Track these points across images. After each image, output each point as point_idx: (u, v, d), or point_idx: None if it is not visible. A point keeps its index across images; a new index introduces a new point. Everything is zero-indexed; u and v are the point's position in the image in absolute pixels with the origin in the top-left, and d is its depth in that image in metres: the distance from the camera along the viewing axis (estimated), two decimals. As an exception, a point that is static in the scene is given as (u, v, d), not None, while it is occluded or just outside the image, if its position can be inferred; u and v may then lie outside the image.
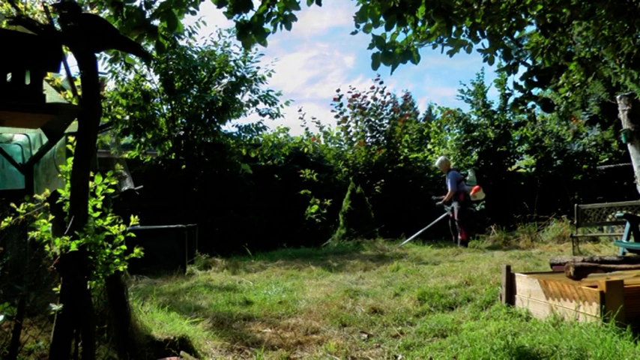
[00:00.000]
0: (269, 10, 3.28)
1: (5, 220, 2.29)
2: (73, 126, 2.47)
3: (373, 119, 12.24)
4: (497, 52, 3.99)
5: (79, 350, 2.10)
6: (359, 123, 12.23)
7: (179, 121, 9.82)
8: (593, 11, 3.92)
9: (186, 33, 9.17)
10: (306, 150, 11.70)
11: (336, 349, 3.16)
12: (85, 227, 2.07)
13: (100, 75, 2.49)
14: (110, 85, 9.13)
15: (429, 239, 9.41)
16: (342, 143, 12.48)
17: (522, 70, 4.30)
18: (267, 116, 10.36)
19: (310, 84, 73.31)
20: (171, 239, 6.69)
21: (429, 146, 13.21)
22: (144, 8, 3.05)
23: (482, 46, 3.96)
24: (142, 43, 3.13)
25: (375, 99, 12.34)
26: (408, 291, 4.81)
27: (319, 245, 9.53)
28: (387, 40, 3.53)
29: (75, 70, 2.49)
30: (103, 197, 2.26)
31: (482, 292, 4.53)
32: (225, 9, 3.16)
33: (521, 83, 4.14)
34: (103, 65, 8.51)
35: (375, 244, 9.08)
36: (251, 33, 3.28)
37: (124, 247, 2.25)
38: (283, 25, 3.35)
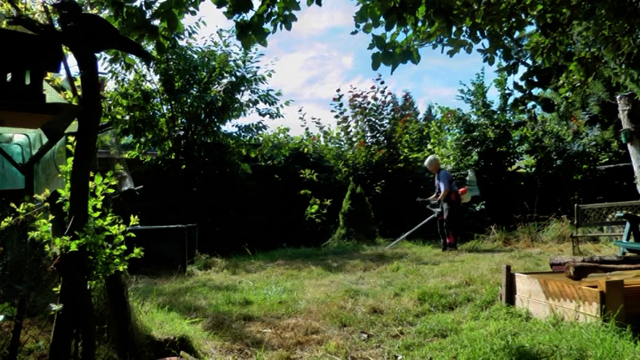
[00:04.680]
0: (269, 10, 3.28)
1: (5, 220, 2.29)
2: (73, 126, 2.47)
3: (373, 119, 12.24)
4: (497, 52, 3.98)
5: (79, 350, 2.10)
6: (359, 123, 12.24)
7: (179, 121, 9.82)
8: (593, 11, 3.91)
9: (186, 33, 9.17)
10: (306, 150, 11.70)
11: (336, 349, 3.16)
12: (85, 227, 2.07)
13: (100, 75, 2.49)
14: (110, 85, 9.13)
15: (429, 239, 9.41)
16: (342, 143, 12.48)
17: (522, 70, 4.29)
18: (267, 116, 10.37)
19: (309, 84, 73.44)
20: (171, 239, 6.69)
21: (429, 146, 13.19)
22: (144, 8, 3.05)
23: (482, 46, 3.95)
24: (142, 43, 3.13)
25: (375, 99, 12.35)
26: (408, 291, 4.81)
27: (319, 245, 9.53)
28: (387, 40, 3.52)
29: (75, 70, 2.49)
30: (103, 197, 2.26)
31: (482, 292, 4.53)
32: (225, 9, 3.16)
33: (522, 83, 4.13)
34: (103, 65, 8.50)
35: (375, 244, 9.08)
36: (251, 33, 3.28)
37: (123, 247, 2.25)
38: (283, 25, 3.35)
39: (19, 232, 3.03)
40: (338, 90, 12.85)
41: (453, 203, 8.68)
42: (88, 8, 3.03)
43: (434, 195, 9.10)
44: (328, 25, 77.14)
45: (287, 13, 3.30)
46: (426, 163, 9.48)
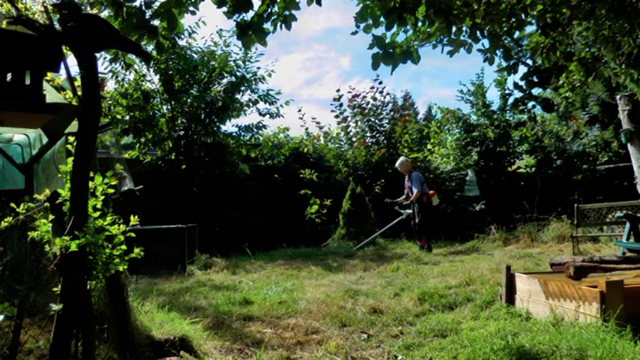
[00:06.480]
0: (269, 10, 3.28)
1: (5, 220, 2.29)
2: (73, 126, 2.47)
3: (373, 119, 12.24)
4: (497, 52, 3.98)
5: (79, 350, 2.10)
6: (359, 123, 12.24)
7: (179, 121, 9.81)
8: (593, 11, 3.91)
9: (186, 33, 9.16)
10: (306, 150, 11.69)
11: (336, 349, 3.16)
12: (85, 227, 2.07)
13: (100, 75, 2.49)
14: (110, 85, 9.12)
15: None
16: (342, 143, 12.47)
17: (522, 70, 4.31)
18: (267, 116, 10.35)
19: (307, 85, 73.58)
20: (171, 239, 6.69)
21: (429, 146, 13.20)
22: (144, 8, 3.04)
23: (482, 46, 3.95)
24: (142, 43, 3.13)
25: (374, 99, 12.35)
26: (408, 291, 4.82)
27: (319, 245, 9.52)
28: (388, 40, 3.52)
29: (75, 70, 2.49)
30: (103, 197, 2.26)
31: (482, 292, 4.53)
32: (225, 9, 3.16)
33: (521, 83, 4.14)
34: (103, 65, 8.50)
35: (375, 244, 9.09)
36: (251, 33, 3.28)
37: (124, 247, 2.25)
38: (283, 25, 3.35)
39: (19, 232, 3.03)
40: (338, 90, 12.86)
41: (425, 205, 8.70)
42: (88, 8, 3.03)
43: (403, 196, 9.12)
44: (325, 26, 77.40)
45: (287, 13, 3.30)
46: (397, 164, 9.40)
